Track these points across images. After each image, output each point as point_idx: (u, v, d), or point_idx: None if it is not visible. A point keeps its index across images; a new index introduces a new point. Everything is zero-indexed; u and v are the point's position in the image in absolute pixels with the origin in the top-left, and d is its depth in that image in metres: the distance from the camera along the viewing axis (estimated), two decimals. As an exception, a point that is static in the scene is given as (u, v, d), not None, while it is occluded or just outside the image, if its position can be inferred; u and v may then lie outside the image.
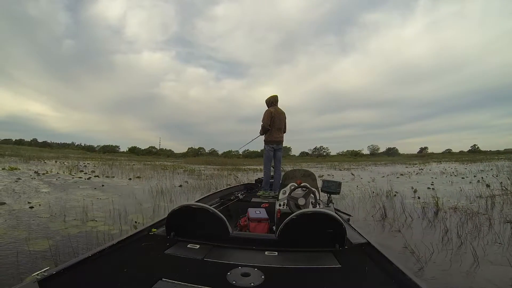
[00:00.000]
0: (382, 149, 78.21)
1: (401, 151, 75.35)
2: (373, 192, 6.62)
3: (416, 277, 1.19)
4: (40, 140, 73.20)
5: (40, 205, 4.81)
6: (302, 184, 2.41)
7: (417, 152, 71.98)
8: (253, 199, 3.53)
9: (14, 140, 70.28)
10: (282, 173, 3.76)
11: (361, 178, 11.36)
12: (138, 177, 10.28)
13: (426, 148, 74.65)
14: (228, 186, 4.80)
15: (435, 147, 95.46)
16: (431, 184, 8.47)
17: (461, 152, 64.48)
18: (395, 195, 6.31)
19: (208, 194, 3.66)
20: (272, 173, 4.27)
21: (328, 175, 13.78)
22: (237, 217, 2.86)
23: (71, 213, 4.29)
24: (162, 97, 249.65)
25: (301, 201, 2.18)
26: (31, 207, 4.57)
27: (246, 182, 5.22)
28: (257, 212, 2.63)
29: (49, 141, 74.32)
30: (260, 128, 4.21)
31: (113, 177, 10.00)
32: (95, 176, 9.79)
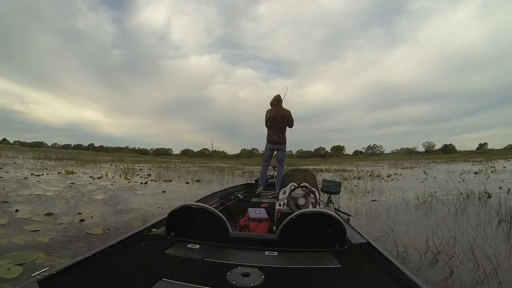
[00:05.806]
0: (437, 146, 69.77)
1: (457, 147, 66.52)
2: (461, 193, 5.75)
3: (416, 277, 1.16)
4: (96, 145, 76.98)
5: (92, 216, 3.81)
6: (302, 184, 2.34)
7: (476, 149, 62.64)
8: (253, 199, 3.46)
9: (73, 145, 75.34)
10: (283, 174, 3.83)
11: (434, 178, 10.13)
12: (197, 180, 9.39)
13: (485, 144, 64.78)
14: (228, 186, 4.70)
15: (494, 143, 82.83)
16: (524, 184, 7.22)
17: (526, 148, 53.25)
18: (489, 196, 5.39)
19: (208, 194, 3.59)
20: (274, 173, 4.46)
21: (395, 174, 12.79)
22: (237, 217, 2.79)
23: (130, 229, 3.12)
24: (212, 99, 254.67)
25: (301, 201, 2.14)
26: (82, 220, 3.58)
27: (246, 182, 4.97)
28: (257, 212, 2.57)
29: (104, 145, 77.76)
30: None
31: (171, 181, 9.19)
32: (151, 180, 9.09)
